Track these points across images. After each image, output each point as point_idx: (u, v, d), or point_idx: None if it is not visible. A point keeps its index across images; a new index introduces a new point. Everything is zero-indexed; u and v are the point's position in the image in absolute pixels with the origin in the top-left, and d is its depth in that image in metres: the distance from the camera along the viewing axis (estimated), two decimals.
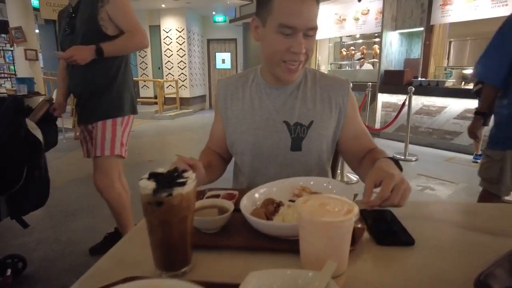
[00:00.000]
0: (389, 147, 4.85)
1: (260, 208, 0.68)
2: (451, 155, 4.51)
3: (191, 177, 0.53)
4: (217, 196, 0.81)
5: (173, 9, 9.20)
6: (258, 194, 0.74)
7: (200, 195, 0.83)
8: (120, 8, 1.62)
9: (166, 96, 9.30)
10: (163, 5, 8.96)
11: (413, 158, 4.30)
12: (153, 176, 0.52)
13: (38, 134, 1.40)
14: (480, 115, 1.85)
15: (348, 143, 1.04)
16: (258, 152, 1.01)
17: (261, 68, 1.05)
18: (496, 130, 1.72)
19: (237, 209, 0.67)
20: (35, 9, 6.37)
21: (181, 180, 0.51)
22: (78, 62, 1.54)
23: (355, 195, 0.72)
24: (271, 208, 0.67)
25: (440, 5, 4.82)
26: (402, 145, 4.45)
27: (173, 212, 0.50)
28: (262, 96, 1.02)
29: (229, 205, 0.67)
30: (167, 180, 0.51)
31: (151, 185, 0.50)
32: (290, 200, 0.73)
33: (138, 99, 7.13)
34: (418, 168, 3.98)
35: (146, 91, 10.08)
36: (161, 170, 0.55)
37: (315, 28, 0.87)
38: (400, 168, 0.75)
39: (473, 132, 1.92)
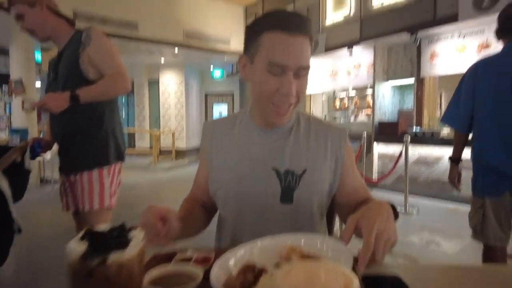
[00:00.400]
0: (389, 199, 4.67)
1: (236, 277, 0.53)
2: (453, 206, 4.34)
3: (137, 237, 0.40)
4: (189, 259, 0.67)
5: (172, 64, 9.55)
6: (234, 258, 0.60)
7: (168, 258, 0.69)
8: (101, 50, 1.56)
9: (162, 148, 9.27)
10: (162, 60, 9.31)
11: (414, 211, 4.13)
12: (87, 235, 0.39)
13: (3, 184, 1.27)
14: (454, 162, 1.87)
15: (344, 197, 0.92)
16: (243, 203, 0.88)
17: (250, 108, 0.95)
18: (473, 177, 1.74)
19: (208, 277, 0.53)
20: (37, 63, 6.59)
21: (121, 242, 0.38)
22: (52, 110, 1.45)
23: (356, 258, 0.58)
24: (250, 276, 0.52)
25: (428, 59, 4.99)
26: (401, 196, 4.30)
27: (108, 287, 0.37)
28: (250, 139, 0.91)
29: (197, 273, 0.53)
30: (103, 241, 0.38)
31: (79, 248, 0.37)
32: (277, 265, 0.59)
33: (133, 151, 7.02)
34: (421, 221, 3.79)
35: (142, 143, 10.08)
36: (103, 227, 0.42)
37: (307, 68, 0.79)
38: (396, 214, 0.67)
39: (451, 180, 1.91)
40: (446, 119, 1.90)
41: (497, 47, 4.21)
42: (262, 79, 0.79)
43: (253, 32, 0.81)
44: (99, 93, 1.54)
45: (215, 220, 1.02)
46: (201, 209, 0.96)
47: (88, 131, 1.59)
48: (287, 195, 0.85)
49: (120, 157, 1.70)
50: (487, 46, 4.39)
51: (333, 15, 6.23)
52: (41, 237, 3.27)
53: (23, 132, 5.24)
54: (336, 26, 6.19)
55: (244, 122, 0.95)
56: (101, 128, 1.61)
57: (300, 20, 0.78)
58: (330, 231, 1.04)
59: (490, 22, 4.21)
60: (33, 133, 5.77)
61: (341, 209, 0.94)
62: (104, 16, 6.64)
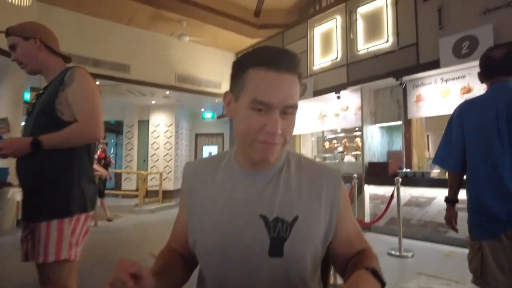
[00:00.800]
0: (382, 242, 4.54)
1: None
2: (449, 249, 4.21)
3: None
4: None
5: (163, 105, 9.64)
6: None
7: None
8: (80, 93, 1.50)
9: (149, 189, 9.05)
10: (153, 102, 9.39)
11: (409, 254, 3.99)
12: None
13: None
14: (450, 203, 1.83)
15: (339, 246, 0.83)
16: (226, 256, 0.77)
17: (236, 149, 0.88)
18: (468, 218, 1.68)
19: None
20: (26, 102, 6.56)
21: None
22: (8, 156, 1.36)
23: None
24: None
25: (414, 101, 5.15)
26: (395, 239, 4.17)
27: None
28: (235, 183, 0.83)
29: None
30: None
31: None
32: None
33: (119, 192, 6.79)
34: (416, 266, 3.64)
35: (129, 184, 9.82)
36: None
37: (294, 107, 0.74)
38: (382, 283, 0.63)
39: (448, 221, 1.85)
40: (437, 160, 1.89)
41: (479, 91, 4.39)
42: (246, 117, 0.74)
43: (238, 68, 0.77)
44: (65, 139, 1.46)
45: (195, 274, 0.90)
46: (180, 261, 0.86)
47: (51, 179, 1.47)
48: (276, 248, 0.75)
49: (85, 208, 1.55)
50: (469, 90, 4.57)
51: (320, 60, 6.48)
52: (12, 285, 3.00)
53: (2, 172, 5.05)
54: (324, 71, 6.42)
55: (229, 164, 0.87)
56: (67, 176, 1.50)
57: (287, 57, 0.74)
58: (325, 282, 0.92)
59: (470, 68, 4.43)
60: (14, 174, 5.56)
61: (336, 260, 0.85)
62: (97, 58, 6.77)
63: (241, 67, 0.76)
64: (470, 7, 4.36)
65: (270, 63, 0.72)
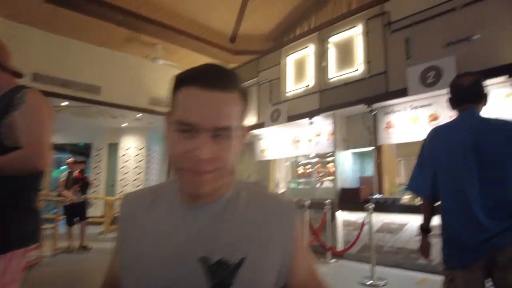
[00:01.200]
0: (356, 270, 4.44)
1: None
2: (421, 276, 4.16)
3: None
4: None
5: (135, 128, 9.40)
6: None
7: None
8: (29, 119, 1.36)
9: (116, 215, 8.59)
10: (124, 124, 9.13)
11: (382, 283, 3.90)
12: None
13: None
14: (424, 231, 1.79)
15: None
16: None
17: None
18: (441, 247, 1.65)
19: None
20: None
21: None
22: None
23: None
24: None
25: (384, 128, 5.24)
26: (368, 267, 4.08)
27: None
28: (171, 220, 0.71)
29: None
30: None
31: None
32: None
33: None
34: None
35: (95, 210, 9.30)
36: None
37: (227, 129, 0.64)
38: None
39: (422, 251, 1.80)
40: (410, 186, 1.87)
41: (445, 118, 4.53)
42: (173, 140, 0.65)
43: (173, 87, 0.69)
44: (3, 168, 1.30)
45: None
46: None
47: None
48: None
49: (23, 242, 1.37)
50: (436, 118, 4.71)
51: (294, 87, 6.56)
52: None
53: None
54: (297, 97, 6.49)
55: (169, 196, 0.75)
56: (2, 209, 1.32)
57: (219, 73, 0.66)
58: None
59: (436, 96, 4.59)
60: None
61: None
62: (66, 79, 6.54)
63: (174, 85, 0.68)
64: (434, 39, 4.58)
65: (198, 80, 0.64)
